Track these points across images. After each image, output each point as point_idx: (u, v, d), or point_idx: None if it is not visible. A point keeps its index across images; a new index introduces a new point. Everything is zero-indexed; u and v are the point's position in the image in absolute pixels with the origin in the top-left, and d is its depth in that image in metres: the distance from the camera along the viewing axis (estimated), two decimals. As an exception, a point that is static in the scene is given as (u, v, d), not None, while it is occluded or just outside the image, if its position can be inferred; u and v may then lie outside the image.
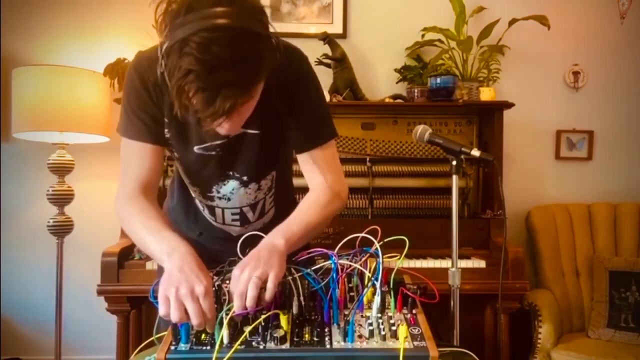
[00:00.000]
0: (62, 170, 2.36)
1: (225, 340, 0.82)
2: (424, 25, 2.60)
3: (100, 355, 2.68)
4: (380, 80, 2.72)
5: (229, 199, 1.21)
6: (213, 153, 1.13)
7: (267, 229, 1.07)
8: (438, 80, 2.39)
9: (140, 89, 1.06)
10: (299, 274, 0.93)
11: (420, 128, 1.49)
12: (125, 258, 2.12)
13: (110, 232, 2.33)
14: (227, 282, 0.97)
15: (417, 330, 0.88)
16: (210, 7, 0.81)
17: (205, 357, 0.81)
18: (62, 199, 2.36)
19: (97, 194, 2.68)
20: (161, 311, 0.83)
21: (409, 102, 2.46)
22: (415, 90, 2.42)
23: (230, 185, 1.19)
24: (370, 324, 0.86)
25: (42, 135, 2.35)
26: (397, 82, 2.67)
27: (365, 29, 2.73)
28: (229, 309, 0.86)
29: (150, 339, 0.97)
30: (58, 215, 2.37)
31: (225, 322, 0.83)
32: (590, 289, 2.47)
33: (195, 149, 1.12)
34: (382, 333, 0.85)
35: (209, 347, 0.82)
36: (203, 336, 0.85)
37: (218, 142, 1.11)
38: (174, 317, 0.82)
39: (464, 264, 2.12)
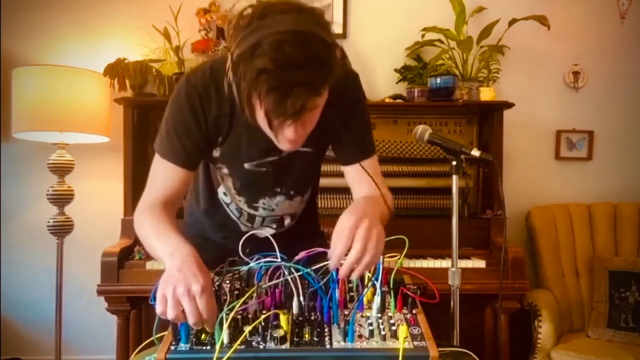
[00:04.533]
0: (62, 170, 2.36)
1: (225, 340, 0.82)
2: (424, 25, 2.60)
3: (100, 355, 2.68)
4: (380, 80, 2.71)
5: (272, 210, 1.26)
6: (264, 170, 1.17)
7: (294, 229, 1.19)
8: (438, 80, 2.39)
9: (191, 118, 1.08)
10: (299, 274, 0.93)
11: (420, 128, 1.48)
12: (125, 258, 2.12)
13: (110, 232, 2.33)
14: (227, 282, 0.97)
15: (417, 330, 0.88)
16: (285, 13, 0.86)
17: (205, 357, 0.81)
18: (62, 199, 2.36)
19: (97, 194, 2.67)
20: (158, 309, 0.83)
21: (409, 102, 2.46)
22: (415, 90, 2.42)
23: (278, 199, 1.24)
24: (370, 324, 0.86)
25: (42, 135, 2.35)
26: (397, 82, 2.67)
27: (365, 29, 2.73)
28: (230, 309, 0.86)
29: (150, 339, 0.97)
30: (58, 215, 2.37)
31: (225, 322, 0.84)
32: (590, 289, 2.47)
33: (246, 165, 1.16)
34: (382, 333, 0.85)
35: (209, 347, 0.82)
36: (203, 336, 0.85)
37: (270, 159, 1.15)
38: (170, 315, 0.82)
39: (464, 264, 2.12)
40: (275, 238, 1.05)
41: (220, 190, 1.27)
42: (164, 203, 1.09)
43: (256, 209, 1.26)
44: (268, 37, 0.83)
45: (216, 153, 1.15)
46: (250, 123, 0.97)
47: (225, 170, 1.19)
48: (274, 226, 1.30)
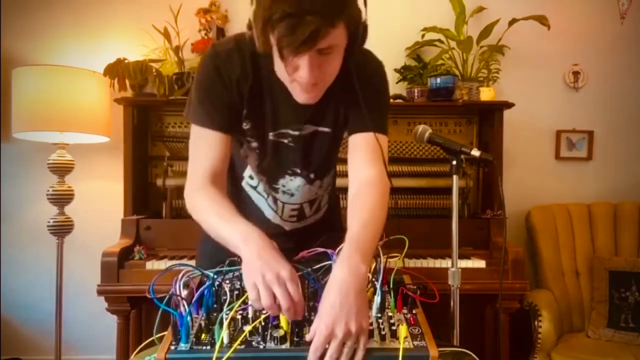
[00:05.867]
0: (62, 170, 2.36)
1: (225, 340, 0.82)
2: (424, 25, 2.60)
3: (100, 355, 2.68)
4: (380, 80, 2.71)
5: (292, 194, 1.26)
6: (285, 141, 1.17)
7: (317, 224, 1.19)
8: (438, 80, 2.39)
9: (217, 79, 1.09)
10: (299, 273, 0.93)
11: (420, 128, 1.49)
12: (125, 258, 2.12)
13: (110, 232, 2.33)
14: (227, 282, 0.97)
15: (417, 330, 0.88)
16: None
17: (205, 356, 0.81)
18: (62, 199, 2.36)
19: (97, 194, 2.67)
20: (252, 296, 0.85)
21: (408, 102, 2.46)
22: (415, 90, 2.42)
23: (297, 182, 1.23)
24: (370, 324, 0.86)
25: (42, 135, 2.35)
26: (397, 82, 2.67)
27: (365, 29, 2.72)
28: (230, 309, 0.86)
29: (150, 338, 0.97)
30: (58, 215, 2.37)
31: (225, 322, 0.84)
32: (590, 289, 2.46)
33: (271, 135, 1.16)
34: (382, 333, 0.85)
35: (209, 347, 0.82)
36: (203, 336, 0.85)
37: (291, 132, 1.16)
38: (265, 302, 0.83)
39: (464, 264, 2.12)
40: (296, 234, 1.04)
41: (246, 174, 1.27)
42: (212, 178, 1.09)
43: (276, 190, 1.25)
44: None
45: (246, 125, 1.15)
46: (275, 89, 0.98)
47: (254, 144, 1.18)
48: (295, 218, 1.29)
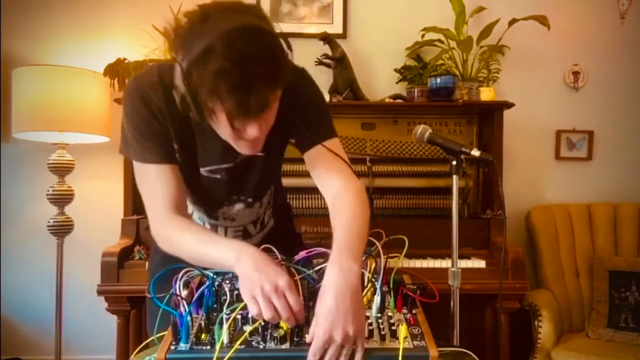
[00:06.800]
0: (62, 170, 2.36)
1: (226, 340, 0.82)
2: (424, 25, 2.60)
3: (100, 355, 2.68)
4: (380, 80, 2.71)
5: (233, 219, 1.24)
6: (219, 176, 1.15)
7: (265, 240, 1.13)
8: (438, 80, 2.39)
9: (147, 113, 1.04)
10: (300, 276, 0.93)
11: (420, 128, 1.49)
12: (125, 258, 2.12)
13: (110, 232, 2.33)
14: (227, 282, 0.97)
15: (417, 330, 0.88)
16: (225, 13, 0.86)
17: (205, 357, 0.81)
18: (62, 199, 2.36)
19: (97, 194, 2.67)
20: (253, 311, 0.85)
21: (409, 102, 2.46)
22: (415, 90, 2.42)
23: (236, 208, 1.21)
24: (370, 324, 0.86)
25: (42, 135, 2.35)
26: (397, 82, 2.67)
27: (365, 29, 2.73)
28: (231, 310, 0.86)
29: (150, 338, 0.97)
30: (58, 215, 2.37)
31: (225, 322, 0.84)
32: (590, 289, 2.46)
33: (202, 171, 1.13)
34: (382, 333, 0.85)
35: (209, 347, 0.82)
36: (203, 336, 0.85)
37: (224, 165, 1.13)
38: (267, 315, 0.83)
39: (464, 264, 2.12)
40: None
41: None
42: (176, 209, 1.05)
43: (216, 218, 1.23)
44: (218, 38, 0.82)
45: (178, 158, 1.11)
46: (204, 127, 0.95)
47: (185, 178, 1.13)
48: (240, 236, 1.27)
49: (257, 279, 0.86)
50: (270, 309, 0.83)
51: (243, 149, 0.99)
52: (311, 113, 1.13)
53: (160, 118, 1.05)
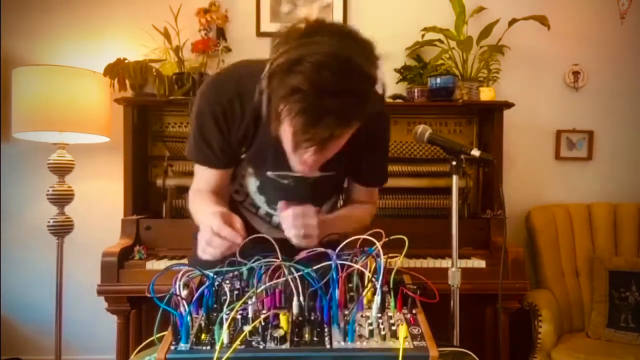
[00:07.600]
0: (62, 170, 2.36)
1: (225, 340, 0.82)
2: (424, 25, 2.60)
3: (100, 355, 2.67)
4: (380, 80, 2.71)
5: None
6: (285, 182, 1.18)
7: None
8: (438, 80, 2.39)
9: (211, 119, 1.10)
10: (299, 273, 0.93)
11: (420, 128, 1.48)
12: (125, 258, 2.12)
13: (110, 232, 2.33)
14: (227, 282, 0.97)
15: (417, 330, 0.88)
16: (334, 36, 0.84)
17: (205, 357, 0.81)
18: (62, 199, 2.36)
19: (97, 194, 2.67)
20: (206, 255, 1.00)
21: (409, 102, 2.46)
22: (415, 90, 2.42)
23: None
24: (370, 324, 0.86)
25: (42, 135, 2.35)
26: (397, 82, 2.67)
27: (365, 29, 2.67)
28: (230, 309, 0.86)
29: (150, 338, 0.97)
30: (58, 215, 2.37)
31: (225, 322, 0.84)
32: (590, 289, 2.47)
33: (269, 174, 1.17)
34: (382, 333, 0.85)
35: (209, 347, 0.82)
36: (203, 336, 0.85)
37: (293, 173, 1.14)
38: (210, 253, 0.99)
39: (464, 264, 2.12)
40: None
41: (232, 188, 1.27)
42: (209, 193, 1.18)
43: (275, 209, 1.26)
44: (310, 56, 0.81)
45: (243, 155, 1.17)
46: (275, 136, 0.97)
47: (250, 170, 1.20)
48: None
49: (203, 229, 0.99)
50: (212, 247, 0.98)
51: (297, 165, 1.00)
52: (378, 159, 1.25)
53: (226, 133, 1.10)
